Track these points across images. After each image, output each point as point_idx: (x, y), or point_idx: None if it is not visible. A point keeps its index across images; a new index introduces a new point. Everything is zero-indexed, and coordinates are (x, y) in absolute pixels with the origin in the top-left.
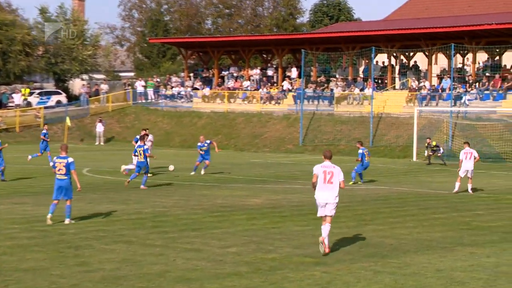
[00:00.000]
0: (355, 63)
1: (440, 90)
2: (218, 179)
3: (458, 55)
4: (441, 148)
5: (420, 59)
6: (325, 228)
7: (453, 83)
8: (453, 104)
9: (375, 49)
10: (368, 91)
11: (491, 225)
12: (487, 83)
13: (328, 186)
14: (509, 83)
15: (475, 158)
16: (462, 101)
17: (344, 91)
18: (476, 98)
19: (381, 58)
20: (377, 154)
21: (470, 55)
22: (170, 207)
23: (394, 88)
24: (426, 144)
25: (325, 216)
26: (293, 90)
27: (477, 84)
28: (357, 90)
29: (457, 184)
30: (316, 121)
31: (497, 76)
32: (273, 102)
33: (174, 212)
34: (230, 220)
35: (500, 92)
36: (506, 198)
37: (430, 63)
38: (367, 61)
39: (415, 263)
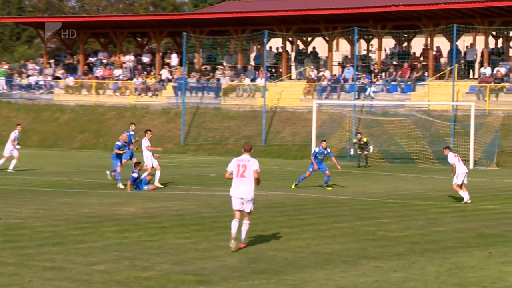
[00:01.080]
0: (245, 48)
1: (342, 81)
2: (84, 184)
3: (362, 41)
4: (371, 147)
5: (319, 44)
6: (239, 226)
7: (357, 73)
8: (356, 96)
9: (268, 33)
10: (260, 82)
11: (398, 235)
12: (394, 73)
13: (241, 179)
14: (418, 73)
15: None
16: (367, 93)
17: (232, 81)
18: (382, 90)
19: (275, 43)
20: (270, 155)
21: (375, 41)
22: (26, 218)
23: (290, 78)
24: (355, 141)
25: (241, 211)
26: (173, 80)
27: (383, 74)
28: (247, 80)
29: (465, 194)
30: (200, 116)
31: (405, 65)
32: (149, 93)
33: (31, 224)
34: (98, 233)
35: (409, 83)
36: (415, 204)
37: (330, 50)
38: (259, 46)
39: (313, 279)
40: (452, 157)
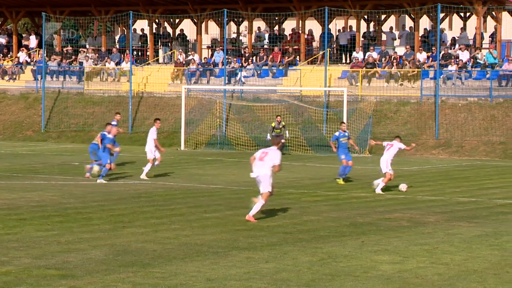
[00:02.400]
0: (109, 30)
1: (211, 65)
2: None
3: (232, 24)
4: (287, 131)
5: (187, 27)
6: (258, 205)
7: (227, 57)
8: (227, 81)
9: (133, 14)
10: (126, 65)
11: (270, 224)
12: (265, 57)
13: (259, 162)
14: (290, 58)
15: (399, 149)
16: (238, 78)
17: (96, 65)
18: (253, 75)
19: (141, 25)
20: (137, 142)
21: (246, 24)
22: None
23: (157, 61)
24: (274, 124)
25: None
26: (32, 63)
27: (254, 58)
28: (112, 64)
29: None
30: (62, 101)
31: (276, 49)
32: (6, 77)
33: None
34: None
35: (281, 68)
36: (288, 192)
37: (199, 32)
38: (124, 28)
39: (182, 272)
40: (385, 143)
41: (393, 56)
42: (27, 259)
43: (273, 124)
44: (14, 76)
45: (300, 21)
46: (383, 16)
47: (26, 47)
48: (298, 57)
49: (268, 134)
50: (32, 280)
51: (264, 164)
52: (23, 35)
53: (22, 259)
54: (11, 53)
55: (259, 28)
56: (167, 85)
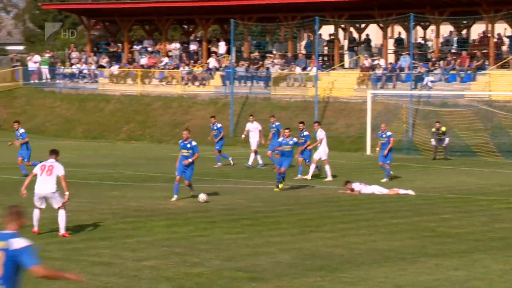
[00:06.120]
0: (295, 36)
1: (397, 70)
2: (131, 177)
3: (418, 28)
4: (447, 138)
5: (373, 32)
6: None
7: (413, 61)
8: (413, 86)
9: (320, 19)
10: (311, 71)
11: (459, 231)
12: (453, 62)
13: None
14: (478, 62)
15: None
16: (424, 82)
17: (283, 70)
18: (440, 80)
19: (327, 31)
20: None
21: (433, 28)
22: (72, 211)
23: (343, 66)
24: (434, 130)
25: None
26: (221, 68)
27: (441, 62)
28: (298, 69)
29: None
30: (249, 106)
31: (464, 53)
32: (197, 83)
33: (78, 217)
34: (147, 227)
35: (469, 72)
36: (478, 199)
37: (385, 37)
38: (310, 34)
39: (370, 277)
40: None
41: None
42: (217, 261)
43: (433, 130)
44: (204, 82)
45: (489, 25)
46: None
47: (215, 53)
48: (487, 61)
49: (433, 140)
50: (222, 282)
51: None
52: (210, 41)
53: (213, 261)
54: (201, 59)
55: (451, 32)
56: (352, 90)
